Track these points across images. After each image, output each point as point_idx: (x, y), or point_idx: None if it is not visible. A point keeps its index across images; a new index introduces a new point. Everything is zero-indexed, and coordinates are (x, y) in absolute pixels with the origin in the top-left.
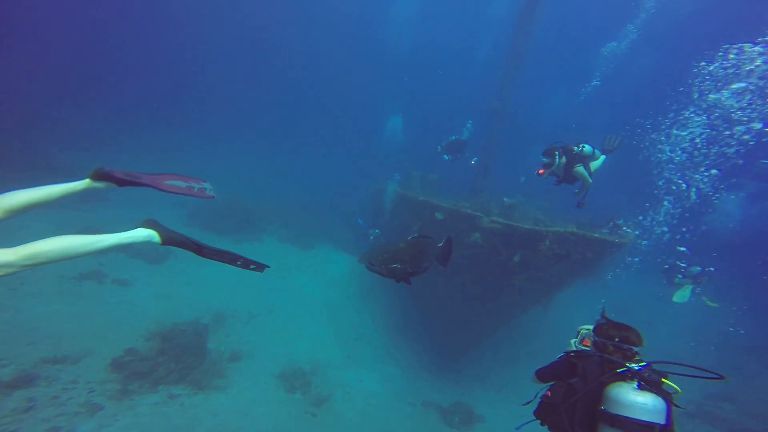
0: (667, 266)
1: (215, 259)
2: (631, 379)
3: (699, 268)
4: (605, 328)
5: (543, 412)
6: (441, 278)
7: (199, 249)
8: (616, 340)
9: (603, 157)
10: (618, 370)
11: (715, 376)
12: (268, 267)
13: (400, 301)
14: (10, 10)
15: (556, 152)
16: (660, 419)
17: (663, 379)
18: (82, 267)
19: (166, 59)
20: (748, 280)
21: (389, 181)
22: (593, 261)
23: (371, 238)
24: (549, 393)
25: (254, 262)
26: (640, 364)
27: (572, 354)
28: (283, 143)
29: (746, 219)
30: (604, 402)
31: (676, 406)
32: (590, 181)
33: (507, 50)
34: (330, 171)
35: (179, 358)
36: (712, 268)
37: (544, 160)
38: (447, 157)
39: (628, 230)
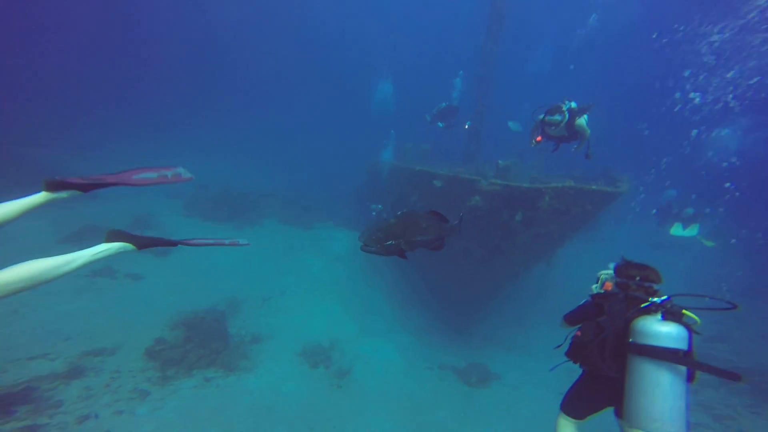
0: (654, 211)
1: (193, 245)
2: (655, 311)
3: (692, 210)
4: (626, 269)
5: (575, 351)
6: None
7: (172, 242)
8: (637, 278)
9: (585, 116)
10: (641, 306)
11: (729, 306)
12: (247, 244)
13: (405, 272)
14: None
15: (564, 109)
16: (683, 345)
17: (683, 311)
18: (94, 264)
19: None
20: (746, 216)
21: (385, 140)
22: (592, 213)
23: (374, 213)
24: (579, 333)
25: (232, 242)
26: (662, 298)
27: (597, 295)
28: (273, 126)
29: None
30: (631, 335)
31: (696, 332)
32: (589, 131)
33: (487, 13)
34: (323, 150)
35: (205, 343)
36: (707, 209)
37: (555, 118)
38: (441, 125)
39: (623, 180)
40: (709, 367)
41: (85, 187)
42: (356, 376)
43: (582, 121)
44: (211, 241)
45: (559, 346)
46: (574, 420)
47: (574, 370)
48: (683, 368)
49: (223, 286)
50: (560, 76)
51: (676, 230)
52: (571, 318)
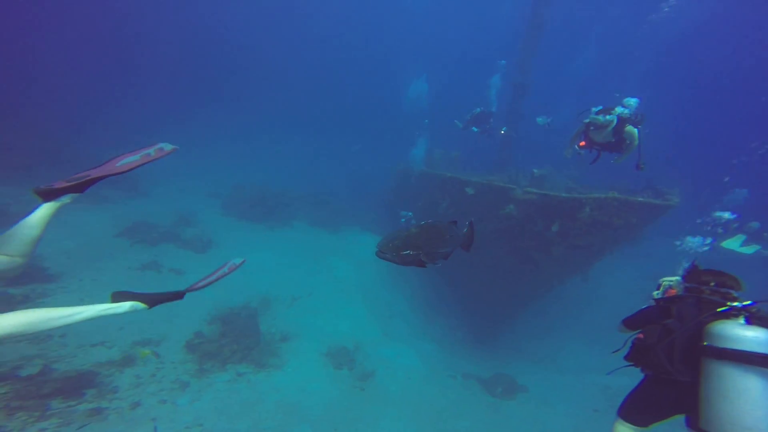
0: (699, 220)
1: (198, 288)
2: (735, 316)
3: (758, 224)
4: (699, 274)
5: (637, 355)
6: (474, 253)
7: (180, 294)
8: (712, 284)
9: (635, 129)
10: (719, 309)
11: None
12: (243, 261)
13: (430, 278)
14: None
15: (616, 112)
16: None
17: None
18: (142, 258)
19: (185, 48)
20: None
21: (418, 131)
22: (638, 226)
23: (403, 221)
24: (642, 336)
25: (230, 267)
26: (744, 303)
27: (664, 299)
28: (308, 129)
29: None
30: (706, 338)
31: None
32: (637, 141)
33: (526, 21)
34: (353, 152)
35: (239, 339)
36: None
37: (603, 119)
38: (476, 129)
39: (672, 193)
40: None
41: (79, 188)
42: (379, 380)
43: (632, 128)
44: (213, 278)
45: (617, 351)
46: (634, 427)
47: (610, 387)
48: None
49: (256, 284)
50: (606, 77)
51: (731, 243)
52: (632, 321)
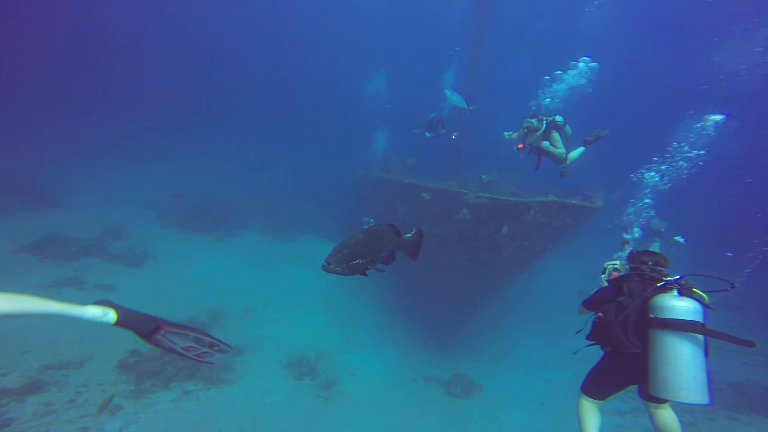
0: (610, 226)
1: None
2: (670, 290)
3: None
4: (639, 256)
5: (599, 333)
6: (430, 257)
7: (154, 321)
8: (650, 263)
9: (582, 148)
10: (658, 284)
11: (729, 286)
12: (230, 349)
13: (389, 284)
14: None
15: (544, 118)
16: (700, 318)
17: (693, 289)
18: (57, 275)
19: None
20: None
21: (377, 119)
22: (572, 227)
23: (365, 227)
24: (601, 314)
25: (217, 342)
26: (675, 277)
27: (615, 279)
28: (254, 132)
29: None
30: (651, 311)
31: (709, 307)
32: (563, 151)
33: (471, 32)
34: (306, 159)
35: None
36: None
37: (531, 121)
38: (428, 135)
39: (597, 197)
40: (725, 335)
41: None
42: (343, 388)
43: (555, 134)
44: (198, 334)
45: (579, 331)
46: (596, 401)
47: (552, 380)
48: (701, 339)
49: (203, 298)
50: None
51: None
52: (590, 303)
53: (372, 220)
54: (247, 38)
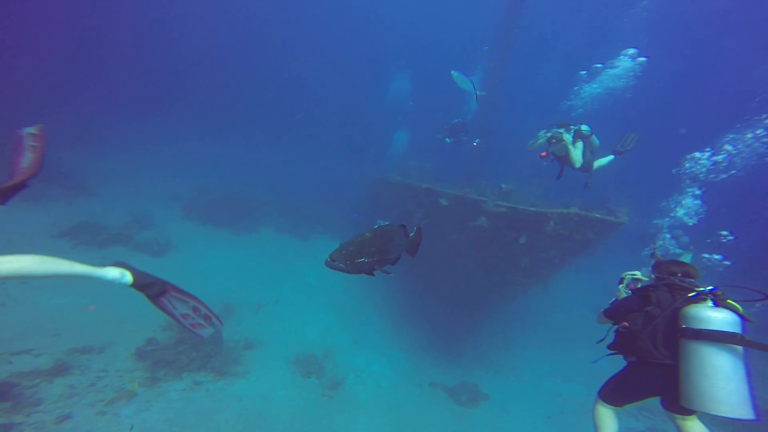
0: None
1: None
2: (704, 300)
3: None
4: (667, 266)
5: (623, 342)
6: (443, 263)
7: (163, 284)
8: (679, 274)
9: (611, 156)
10: (689, 295)
11: (763, 296)
12: (221, 324)
13: (399, 288)
14: None
15: (572, 126)
16: (739, 329)
17: (729, 300)
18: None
19: (149, 48)
20: None
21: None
22: (593, 241)
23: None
24: (627, 324)
25: (211, 315)
26: (709, 288)
27: (642, 288)
28: (276, 133)
29: None
30: (683, 322)
31: (749, 320)
32: (581, 161)
33: (497, 39)
34: (325, 160)
35: (198, 346)
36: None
37: (559, 131)
38: (449, 140)
39: (622, 212)
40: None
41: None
42: (348, 388)
43: (580, 144)
44: (199, 304)
45: (601, 341)
46: (613, 408)
47: (561, 394)
48: (741, 350)
49: (218, 290)
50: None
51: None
52: (614, 312)
53: (387, 222)
54: (270, 36)
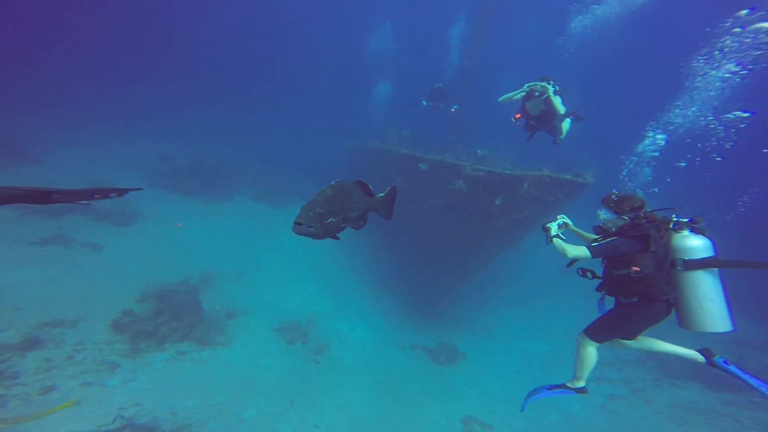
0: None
1: (69, 201)
2: (681, 230)
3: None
4: (626, 202)
5: (629, 285)
6: (422, 227)
7: (44, 196)
8: (644, 209)
9: (569, 119)
10: (670, 226)
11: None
12: (127, 191)
13: (378, 254)
14: None
15: (549, 85)
16: (714, 252)
17: (700, 225)
18: (42, 231)
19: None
20: None
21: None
22: (563, 201)
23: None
24: (637, 268)
25: (113, 189)
26: (683, 219)
27: (638, 226)
28: (247, 98)
29: None
30: (677, 253)
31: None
32: (563, 110)
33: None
34: (299, 126)
35: (178, 317)
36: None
37: (541, 85)
38: (425, 103)
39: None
40: (743, 263)
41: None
42: (333, 353)
43: (558, 100)
44: (97, 195)
45: (570, 266)
46: (599, 344)
47: (529, 351)
48: (717, 271)
49: (194, 260)
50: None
51: None
52: (612, 257)
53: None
54: None
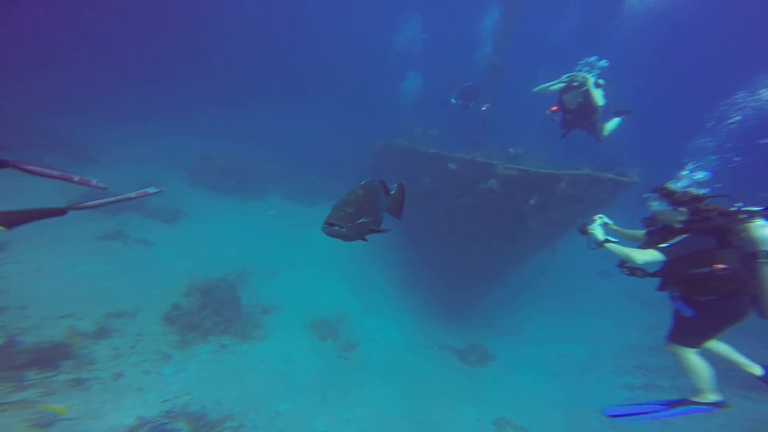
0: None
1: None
2: (753, 220)
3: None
4: (682, 193)
5: (718, 284)
6: (451, 227)
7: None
8: (705, 200)
9: (618, 119)
10: (741, 217)
11: None
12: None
13: (405, 253)
14: None
15: (589, 77)
16: None
17: None
18: (104, 227)
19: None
20: None
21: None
22: (605, 202)
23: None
24: (722, 265)
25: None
26: (753, 208)
27: (713, 221)
28: (284, 102)
29: None
30: (755, 246)
31: None
32: (603, 103)
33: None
34: (331, 125)
35: (220, 311)
36: None
37: (582, 75)
38: (454, 101)
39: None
40: None
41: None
42: (362, 350)
43: (600, 93)
44: (114, 200)
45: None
46: (697, 350)
47: (565, 354)
48: None
49: (232, 256)
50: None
51: None
52: (686, 257)
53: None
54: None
